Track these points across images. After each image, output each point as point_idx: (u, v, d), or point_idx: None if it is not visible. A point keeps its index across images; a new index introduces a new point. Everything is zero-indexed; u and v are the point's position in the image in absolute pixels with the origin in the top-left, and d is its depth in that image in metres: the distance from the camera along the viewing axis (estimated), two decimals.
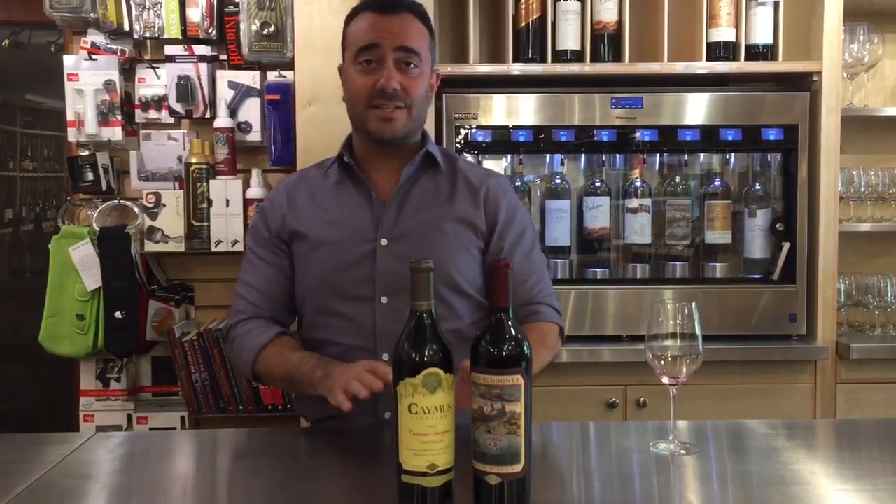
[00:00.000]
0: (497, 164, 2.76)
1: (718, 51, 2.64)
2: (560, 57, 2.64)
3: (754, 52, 2.66)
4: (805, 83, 2.65)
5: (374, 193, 1.79)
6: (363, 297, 1.74)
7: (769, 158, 2.72)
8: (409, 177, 1.80)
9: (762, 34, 2.66)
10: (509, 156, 2.72)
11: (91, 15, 2.63)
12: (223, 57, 2.78)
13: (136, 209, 2.73)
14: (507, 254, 1.79)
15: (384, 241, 1.76)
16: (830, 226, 2.61)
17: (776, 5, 2.66)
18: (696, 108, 2.61)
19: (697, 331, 1.49)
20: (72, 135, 2.70)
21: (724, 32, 2.64)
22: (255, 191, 2.70)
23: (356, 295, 1.75)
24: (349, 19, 1.80)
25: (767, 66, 2.66)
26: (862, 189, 2.80)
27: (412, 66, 1.72)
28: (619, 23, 2.65)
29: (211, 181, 2.68)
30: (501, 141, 2.60)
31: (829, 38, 2.59)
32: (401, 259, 1.66)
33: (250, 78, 2.73)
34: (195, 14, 2.70)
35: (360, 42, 1.72)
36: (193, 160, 2.69)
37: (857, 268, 2.88)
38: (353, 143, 1.84)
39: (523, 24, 2.64)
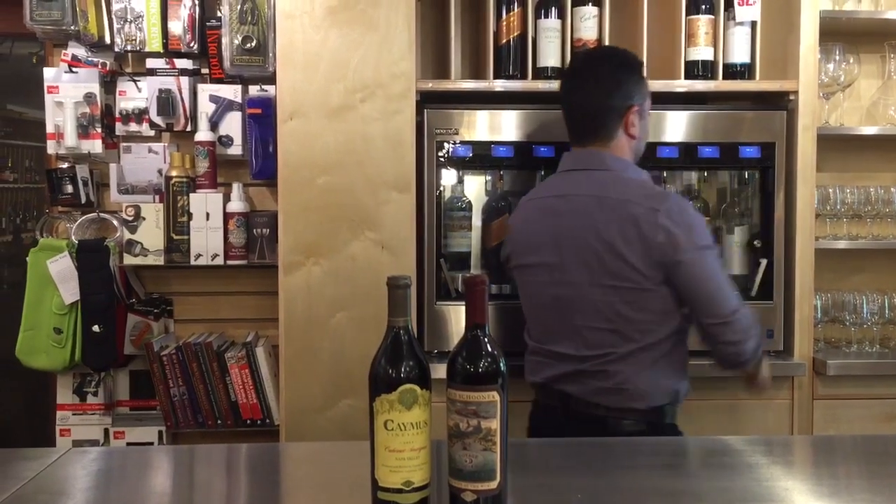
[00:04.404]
0: (478, 180, 2.77)
1: (697, 69, 2.67)
2: (541, 73, 2.66)
3: (732, 71, 2.69)
4: (782, 102, 2.68)
5: None
6: None
7: (747, 176, 2.75)
8: None
9: (740, 53, 2.69)
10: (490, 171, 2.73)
11: (72, 28, 2.62)
12: (205, 71, 2.78)
13: (115, 222, 2.72)
14: None
15: None
16: (807, 243, 2.63)
17: (753, 25, 2.69)
18: (674, 126, 2.63)
19: None
20: (51, 147, 2.69)
21: (702, 51, 2.67)
22: (235, 204, 2.69)
23: None
24: (642, 68, 2.22)
25: (745, 84, 2.69)
26: (838, 207, 2.82)
27: None
28: (599, 40, 2.67)
29: (191, 195, 2.68)
30: (483, 156, 2.61)
31: (805, 58, 2.62)
32: None
33: (232, 92, 2.73)
34: (177, 27, 2.71)
35: None
36: (174, 173, 2.69)
37: (834, 284, 2.90)
38: None
39: (504, 40, 2.66)
